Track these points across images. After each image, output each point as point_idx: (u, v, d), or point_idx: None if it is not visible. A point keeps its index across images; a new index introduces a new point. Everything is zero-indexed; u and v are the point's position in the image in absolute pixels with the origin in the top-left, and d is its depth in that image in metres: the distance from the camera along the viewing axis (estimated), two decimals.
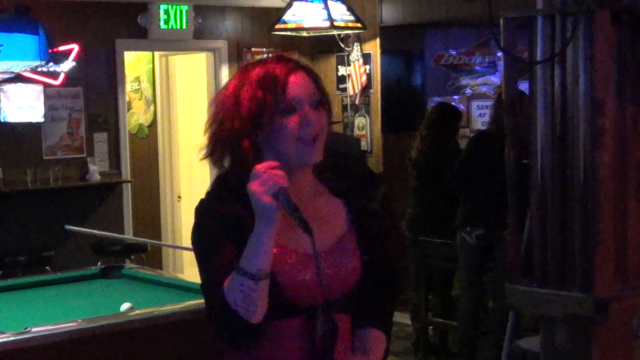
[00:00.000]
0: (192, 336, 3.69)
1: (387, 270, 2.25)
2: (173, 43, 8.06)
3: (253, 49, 8.42)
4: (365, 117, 8.22)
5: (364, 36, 8.02)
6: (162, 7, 7.71)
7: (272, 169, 1.99)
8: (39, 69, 6.82)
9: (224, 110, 2.15)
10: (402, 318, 6.60)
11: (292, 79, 2.12)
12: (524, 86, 3.55)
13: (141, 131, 8.99)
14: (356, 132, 8.27)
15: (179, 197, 9.15)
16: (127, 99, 8.16)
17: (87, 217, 7.56)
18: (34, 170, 7.21)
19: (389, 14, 7.94)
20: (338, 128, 8.22)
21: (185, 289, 4.22)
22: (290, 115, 2.09)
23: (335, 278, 2.12)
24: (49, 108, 7.30)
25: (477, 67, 8.04)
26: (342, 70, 8.31)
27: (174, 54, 8.95)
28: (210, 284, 2.07)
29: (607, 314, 3.23)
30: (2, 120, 7.12)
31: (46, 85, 7.22)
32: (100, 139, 7.66)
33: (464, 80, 8.03)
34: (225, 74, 8.27)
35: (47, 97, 7.26)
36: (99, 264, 5.52)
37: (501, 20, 3.41)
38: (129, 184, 7.90)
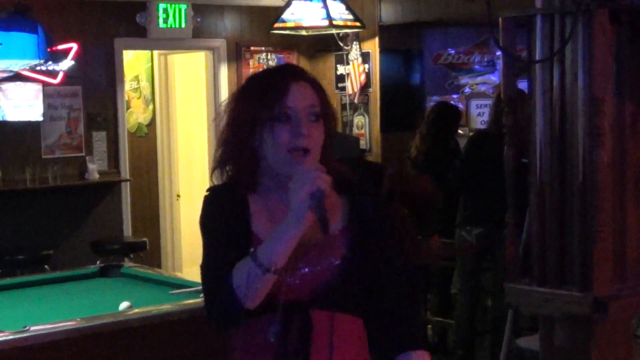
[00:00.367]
0: (190, 335, 3.69)
1: (401, 271, 2.22)
2: (172, 42, 8.06)
3: (252, 48, 8.42)
4: (364, 116, 8.23)
5: (363, 35, 8.02)
6: (161, 6, 7.71)
7: (319, 170, 2.01)
8: (38, 68, 6.82)
9: (228, 116, 2.17)
10: None
11: (294, 87, 2.10)
12: (522, 85, 3.55)
13: (140, 130, 8.99)
14: (355, 131, 8.27)
15: (178, 195, 9.15)
16: (126, 97, 8.16)
17: (86, 216, 7.56)
18: (32, 169, 7.21)
19: (388, 13, 7.94)
20: (337, 127, 8.22)
21: (184, 287, 4.22)
22: (284, 123, 2.09)
23: (309, 276, 2.10)
24: (48, 107, 7.30)
25: (476, 66, 8.04)
26: (341, 69, 8.32)
27: (173, 53, 8.94)
28: (212, 262, 2.11)
29: (606, 312, 3.23)
30: (1, 119, 7.12)
31: (45, 84, 7.22)
32: (99, 138, 7.66)
33: (463, 79, 8.03)
34: (224, 73, 8.27)
35: (46, 96, 7.26)
36: (97, 262, 5.51)
37: (500, 20, 3.41)
38: (128, 183, 7.90)
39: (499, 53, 6.91)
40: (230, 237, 2.10)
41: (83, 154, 7.56)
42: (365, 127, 8.22)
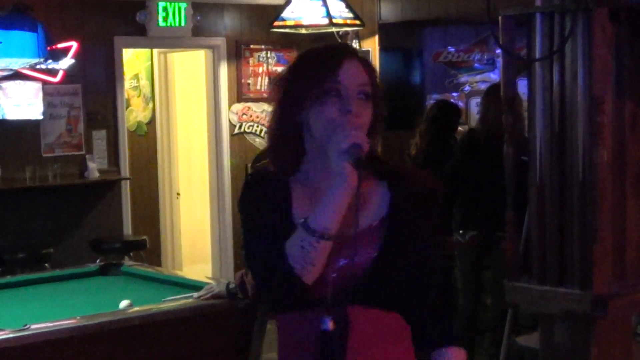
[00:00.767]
0: (190, 333, 3.69)
1: (437, 266, 2.17)
2: (171, 40, 8.05)
3: (252, 46, 8.42)
4: None
5: (362, 33, 8.02)
6: (161, 5, 7.71)
7: (355, 129, 1.99)
8: (38, 67, 6.81)
9: (278, 93, 2.13)
10: None
11: (346, 64, 2.07)
12: (522, 83, 3.55)
13: (140, 128, 8.99)
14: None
15: (178, 194, 9.16)
16: (125, 96, 8.16)
17: (85, 214, 7.56)
18: (32, 167, 7.21)
19: (387, 11, 7.94)
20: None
21: (184, 286, 4.22)
22: (333, 98, 2.05)
23: (346, 269, 2.06)
24: (48, 105, 7.30)
25: (476, 64, 8.03)
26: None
27: (173, 51, 8.94)
28: (259, 245, 2.06)
29: (606, 311, 3.24)
30: (0, 118, 7.11)
31: (45, 83, 7.22)
32: (99, 137, 7.66)
33: (463, 78, 8.03)
34: (224, 72, 8.27)
35: (46, 94, 7.26)
36: (97, 261, 5.52)
37: (500, 18, 3.41)
38: (128, 181, 7.89)
39: (498, 51, 6.90)
40: (271, 221, 2.06)
41: (83, 152, 7.56)
42: None
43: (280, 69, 8.54)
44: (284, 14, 7.32)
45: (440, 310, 2.18)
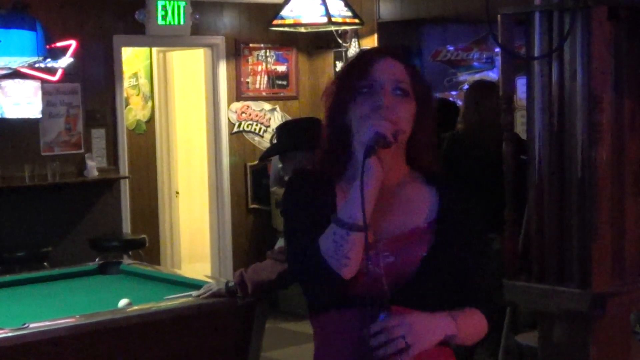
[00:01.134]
0: (190, 332, 3.69)
1: (486, 270, 2.16)
2: (171, 39, 8.05)
3: (251, 45, 8.42)
4: None
5: (361, 32, 8.02)
6: (160, 3, 7.70)
7: (381, 119, 2.00)
8: (37, 65, 6.81)
9: (327, 98, 2.18)
10: None
11: (380, 62, 2.10)
12: (521, 82, 3.55)
13: (139, 127, 8.99)
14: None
15: (177, 192, 9.16)
16: (124, 95, 8.16)
17: (85, 213, 7.56)
18: (31, 166, 7.21)
19: (386, 10, 7.94)
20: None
21: (183, 284, 4.22)
22: (367, 95, 2.07)
23: (394, 267, 2.06)
24: (47, 104, 7.29)
25: (475, 63, 8.03)
26: (340, 66, 8.31)
27: (172, 50, 8.94)
28: (301, 247, 2.06)
29: (604, 309, 3.24)
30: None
31: (44, 81, 7.21)
32: (98, 135, 7.66)
33: (462, 76, 8.02)
34: (223, 70, 8.27)
35: (45, 93, 7.26)
36: (96, 259, 5.52)
37: (499, 16, 3.41)
38: (127, 180, 7.89)
39: (497, 50, 6.91)
40: (316, 221, 2.06)
41: (82, 151, 7.56)
42: None
43: (279, 67, 8.55)
44: (283, 13, 7.33)
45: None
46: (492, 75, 7.90)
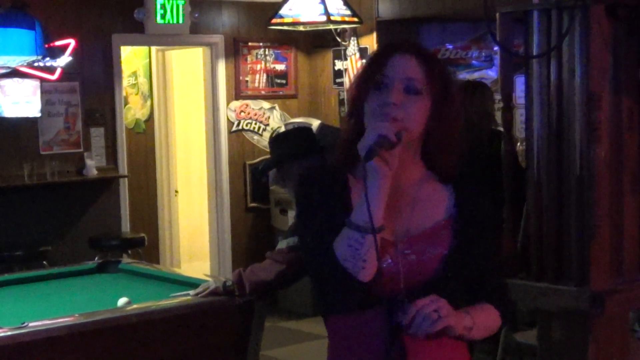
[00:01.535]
0: (189, 331, 3.69)
1: (500, 269, 2.17)
2: (169, 38, 8.05)
3: (250, 44, 8.42)
4: None
5: (360, 30, 8.02)
6: (159, 2, 7.70)
7: (384, 121, 2.00)
8: (36, 64, 6.81)
9: (349, 93, 2.20)
10: None
11: (395, 58, 2.09)
12: (519, 80, 3.55)
13: (138, 126, 8.98)
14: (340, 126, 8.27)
15: (176, 191, 9.16)
16: (123, 93, 8.15)
17: (84, 212, 7.56)
18: (30, 165, 7.21)
19: (385, 8, 7.93)
20: (334, 122, 8.23)
21: (182, 283, 4.22)
22: (378, 92, 2.06)
23: (417, 266, 2.06)
24: (46, 103, 7.29)
25: (474, 62, 8.04)
26: (339, 65, 8.31)
27: (171, 49, 8.94)
28: (315, 241, 2.06)
29: (603, 307, 3.24)
30: None
31: (43, 80, 7.21)
32: (97, 134, 7.66)
33: (461, 75, 8.02)
34: (222, 69, 8.27)
35: (44, 92, 7.25)
36: (96, 258, 5.53)
37: (497, 15, 3.41)
38: (126, 179, 7.89)
39: (496, 48, 6.91)
40: (330, 221, 2.06)
41: (81, 150, 7.55)
42: None
43: (278, 66, 8.55)
44: (282, 11, 7.32)
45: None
46: (491, 73, 7.91)
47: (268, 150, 4.12)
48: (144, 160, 8.89)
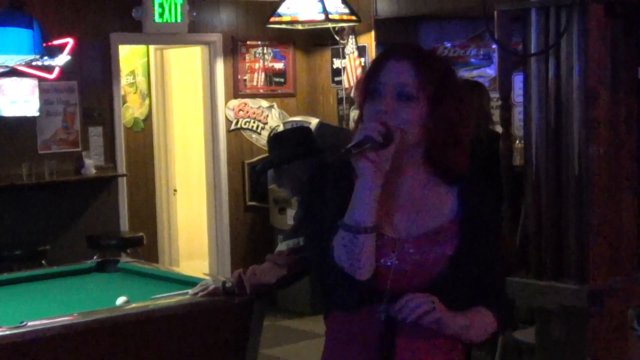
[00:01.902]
0: (187, 330, 3.69)
1: (503, 270, 2.19)
2: (168, 36, 8.05)
3: (248, 42, 8.41)
4: None
5: (358, 29, 8.02)
6: (157, 1, 7.69)
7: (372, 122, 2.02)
8: (34, 63, 6.80)
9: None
10: None
11: (390, 64, 2.09)
12: (518, 79, 3.56)
13: (136, 125, 8.98)
14: (352, 125, 8.27)
15: (175, 190, 9.15)
16: (122, 92, 8.15)
17: (82, 211, 7.56)
18: (29, 164, 7.20)
19: (383, 7, 7.93)
20: (333, 120, 8.23)
21: (181, 282, 4.22)
22: (373, 99, 2.08)
23: (421, 265, 2.07)
24: (44, 102, 7.28)
25: (472, 60, 8.04)
26: (337, 63, 8.31)
27: (169, 48, 8.93)
28: (314, 241, 2.11)
29: (602, 305, 3.24)
30: None
31: (41, 80, 7.20)
32: (96, 133, 7.65)
33: (459, 73, 8.02)
34: (220, 68, 8.27)
35: (42, 91, 7.25)
36: (94, 257, 5.52)
37: (496, 13, 3.41)
38: (124, 178, 7.89)
39: (495, 46, 6.91)
40: (334, 221, 2.07)
41: (79, 149, 7.55)
42: None
43: (276, 65, 8.55)
44: (280, 10, 7.32)
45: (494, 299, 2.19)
46: (490, 71, 7.91)
47: (266, 149, 4.12)
48: (143, 159, 8.88)
